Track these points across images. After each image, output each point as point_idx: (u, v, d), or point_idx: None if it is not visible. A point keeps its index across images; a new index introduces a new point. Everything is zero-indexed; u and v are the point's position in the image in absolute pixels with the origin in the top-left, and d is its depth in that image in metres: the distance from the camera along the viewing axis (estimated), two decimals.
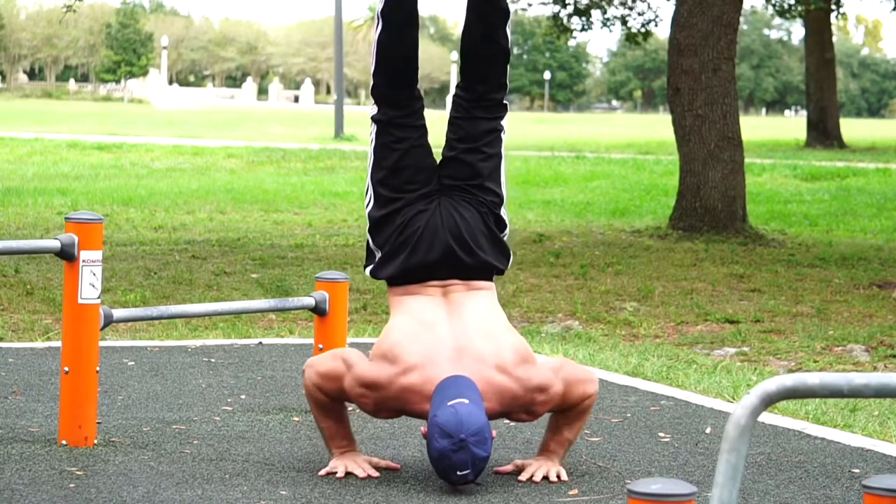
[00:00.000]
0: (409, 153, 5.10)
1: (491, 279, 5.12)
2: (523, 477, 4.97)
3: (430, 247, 5.01)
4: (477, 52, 5.17)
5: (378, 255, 5.12)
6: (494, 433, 4.77)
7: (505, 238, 5.16)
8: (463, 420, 4.60)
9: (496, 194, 5.14)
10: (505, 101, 5.19)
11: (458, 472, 4.64)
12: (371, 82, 5.21)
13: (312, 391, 4.99)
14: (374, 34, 5.22)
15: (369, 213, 5.14)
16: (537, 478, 4.95)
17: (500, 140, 5.19)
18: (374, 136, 5.18)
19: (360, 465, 4.98)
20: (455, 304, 4.99)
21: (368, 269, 5.16)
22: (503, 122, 5.20)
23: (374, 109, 5.21)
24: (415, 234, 5.03)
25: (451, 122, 5.18)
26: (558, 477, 4.97)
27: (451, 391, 4.72)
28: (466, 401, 4.67)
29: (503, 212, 5.16)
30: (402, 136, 5.11)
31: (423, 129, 5.16)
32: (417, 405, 4.82)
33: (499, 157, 5.18)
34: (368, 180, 5.16)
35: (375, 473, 4.96)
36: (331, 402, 4.99)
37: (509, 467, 5.08)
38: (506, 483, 4.92)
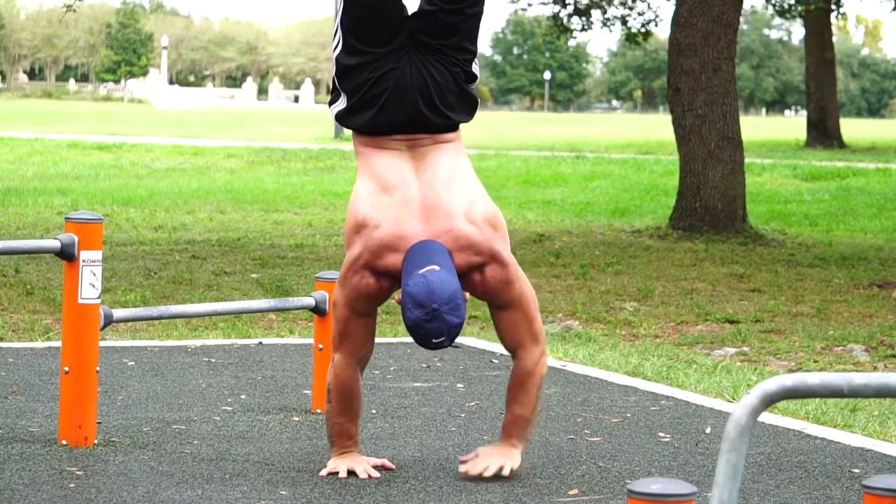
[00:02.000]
0: (383, 8, 4.86)
1: (457, 129, 5.01)
2: (474, 471, 4.89)
3: (398, 108, 4.88)
4: None
5: (344, 100, 4.98)
6: (467, 296, 4.73)
7: (472, 89, 5.00)
8: (434, 289, 4.57)
9: (470, 51, 4.95)
10: None
11: (434, 340, 4.64)
12: None
13: (342, 374, 4.92)
14: None
15: (336, 58, 4.95)
16: (488, 474, 4.88)
17: None
18: None
19: (360, 466, 4.98)
20: (422, 158, 4.92)
21: (334, 111, 5.02)
22: None
23: None
24: (383, 94, 4.88)
25: None
26: (511, 471, 4.91)
27: (420, 258, 4.68)
28: (437, 267, 4.64)
29: (475, 66, 4.99)
30: None
31: None
32: (398, 264, 4.76)
33: (479, 14, 4.95)
34: (338, 24, 4.94)
35: (376, 474, 4.96)
36: (355, 390, 4.94)
37: (471, 456, 5.00)
38: (506, 483, 4.91)
